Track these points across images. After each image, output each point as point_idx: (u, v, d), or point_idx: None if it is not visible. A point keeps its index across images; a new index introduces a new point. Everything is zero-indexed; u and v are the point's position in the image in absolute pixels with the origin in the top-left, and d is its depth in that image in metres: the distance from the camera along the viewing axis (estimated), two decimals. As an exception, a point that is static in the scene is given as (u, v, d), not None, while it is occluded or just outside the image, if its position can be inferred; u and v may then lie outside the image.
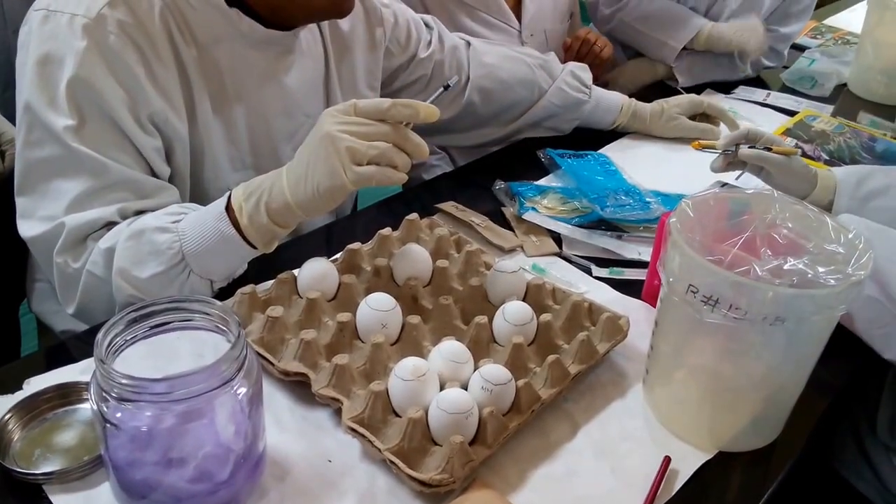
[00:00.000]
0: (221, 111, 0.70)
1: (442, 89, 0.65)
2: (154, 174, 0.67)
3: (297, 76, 0.75)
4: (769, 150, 0.77)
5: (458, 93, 0.92)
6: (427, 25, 0.91)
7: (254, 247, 0.62)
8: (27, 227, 0.64)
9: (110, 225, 0.64)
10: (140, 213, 0.65)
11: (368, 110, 0.58)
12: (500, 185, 0.86)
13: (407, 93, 0.91)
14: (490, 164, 0.96)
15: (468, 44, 0.94)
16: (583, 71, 0.99)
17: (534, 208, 0.82)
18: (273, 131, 0.75)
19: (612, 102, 1.00)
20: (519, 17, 1.14)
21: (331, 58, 0.80)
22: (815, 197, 0.75)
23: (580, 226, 0.80)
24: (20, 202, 0.65)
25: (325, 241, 0.80)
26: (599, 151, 0.97)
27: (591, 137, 1.00)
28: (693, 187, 0.88)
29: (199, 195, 0.72)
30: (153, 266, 0.60)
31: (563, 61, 1.20)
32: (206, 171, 0.71)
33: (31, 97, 0.62)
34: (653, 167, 0.95)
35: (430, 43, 0.90)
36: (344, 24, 0.81)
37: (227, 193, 0.62)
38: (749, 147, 0.77)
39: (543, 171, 0.93)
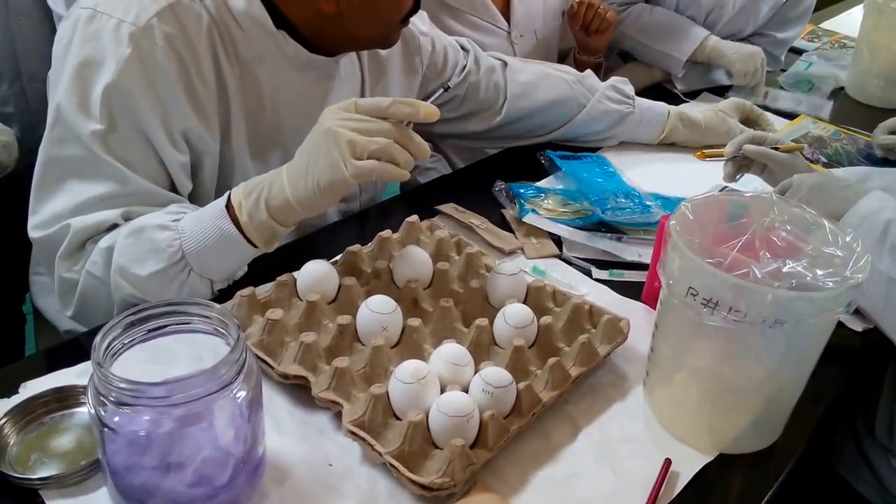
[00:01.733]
0: (256, 130, 0.70)
1: (442, 90, 0.65)
2: (174, 188, 0.67)
3: (335, 102, 0.75)
4: (776, 149, 0.78)
5: (494, 112, 0.92)
6: (463, 48, 0.91)
7: (254, 245, 0.61)
8: (34, 225, 0.64)
9: (113, 228, 0.63)
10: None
11: (369, 108, 0.59)
12: (500, 186, 0.86)
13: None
14: (490, 166, 0.96)
15: (504, 63, 0.93)
16: (624, 84, 0.95)
17: (534, 210, 0.82)
18: None
19: (658, 113, 0.96)
20: (508, 18, 1.14)
21: (366, 83, 0.80)
22: None
23: (580, 228, 0.80)
24: (32, 196, 0.65)
25: (325, 243, 0.79)
26: (597, 153, 0.97)
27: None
28: (692, 190, 0.88)
29: None
30: (153, 264, 0.60)
31: (571, 29, 1.17)
32: (233, 186, 0.71)
33: (64, 96, 0.61)
34: (652, 170, 0.95)
35: (465, 67, 0.90)
36: (382, 50, 0.81)
37: (228, 192, 0.62)
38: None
39: (543, 173, 0.93)
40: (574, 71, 0.97)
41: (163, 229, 0.60)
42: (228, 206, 0.60)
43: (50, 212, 0.63)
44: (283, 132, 0.73)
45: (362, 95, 0.80)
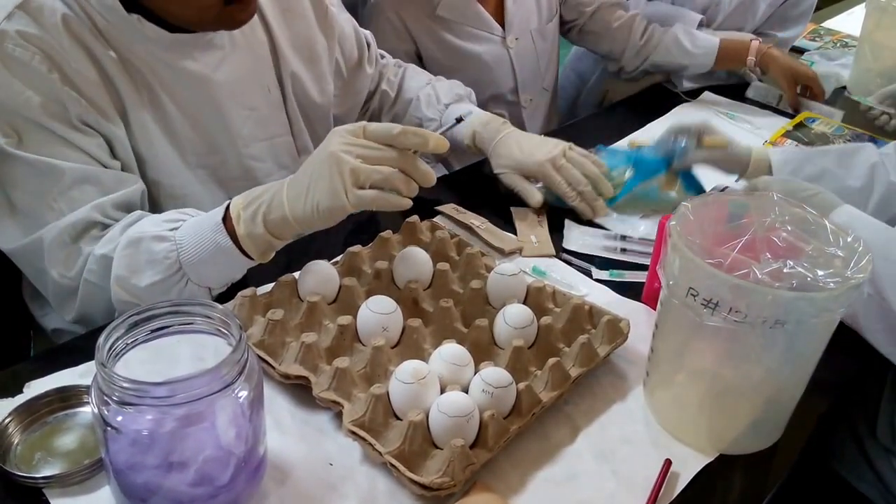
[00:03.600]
0: (156, 112, 0.69)
1: (455, 121, 0.65)
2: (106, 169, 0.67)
3: (229, 71, 0.73)
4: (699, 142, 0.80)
5: (390, 104, 0.95)
6: (368, 42, 0.92)
7: (250, 257, 0.62)
8: (3, 241, 0.65)
9: (97, 226, 0.64)
10: (118, 206, 0.65)
11: (377, 134, 0.58)
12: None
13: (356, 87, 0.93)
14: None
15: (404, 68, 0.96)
16: (456, 87, 0.92)
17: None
18: (216, 130, 0.74)
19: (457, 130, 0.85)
20: (503, 23, 1.13)
21: (279, 47, 0.78)
22: (751, 177, 0.78)
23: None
24: None
25: (325, 243, 0.80)
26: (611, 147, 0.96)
27: (596, 135, 1.00)
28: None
29: (149, 194, 0.71)
30: (150, 275, 0.61)
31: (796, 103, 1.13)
32: (150, 172, 0.71)
33: None
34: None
35: (382, 56, 0.94)
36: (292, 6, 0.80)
37: (227, 203, 0.62)
38: (680, 139, 0.80)
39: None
40: (431, 78, 0.96)
41: (160, 241, 0.61)
42: (226, 219, 0.60)
43: (16, 233, 0.63)
44: (184, 113, 0.71)
45: (275, 59, 0.78)
